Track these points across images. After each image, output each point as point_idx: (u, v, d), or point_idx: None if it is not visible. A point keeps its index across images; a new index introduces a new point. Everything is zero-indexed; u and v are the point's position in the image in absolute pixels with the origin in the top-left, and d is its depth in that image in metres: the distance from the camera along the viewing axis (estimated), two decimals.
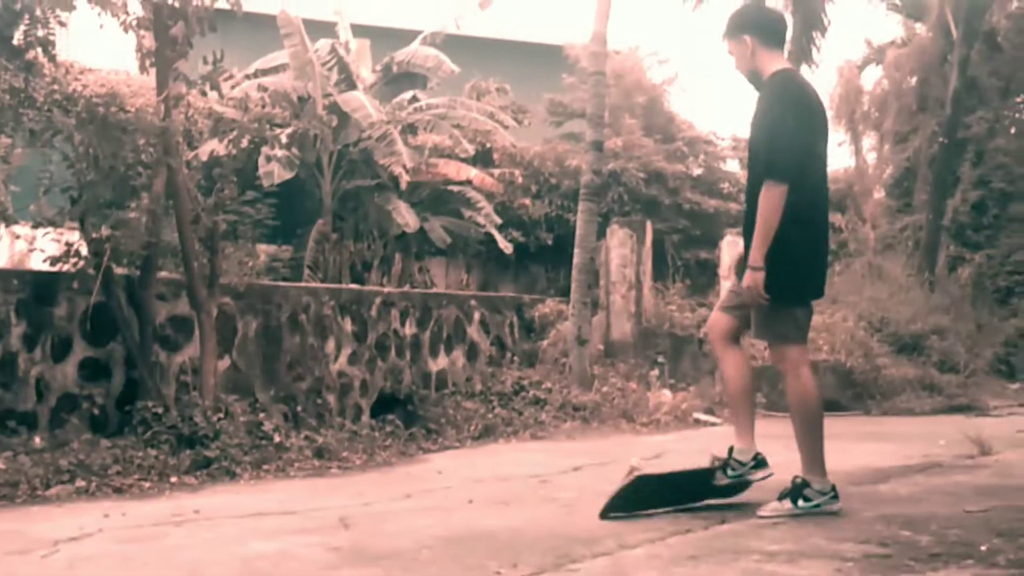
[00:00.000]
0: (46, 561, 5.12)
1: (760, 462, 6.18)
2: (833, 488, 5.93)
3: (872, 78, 25.20)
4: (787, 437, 6.06)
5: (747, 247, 6.02)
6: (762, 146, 5.97)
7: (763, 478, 6.14)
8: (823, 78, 39.36)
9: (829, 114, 20.75)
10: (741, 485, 6.24)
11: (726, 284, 15.67)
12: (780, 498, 5.95)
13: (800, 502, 5.89)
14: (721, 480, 6.21)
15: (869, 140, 25.25)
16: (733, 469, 6.18)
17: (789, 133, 5.86)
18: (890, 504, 5.94)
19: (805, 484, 5.93)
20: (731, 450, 6.21)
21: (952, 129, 20.31)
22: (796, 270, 5.95)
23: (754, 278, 5.82)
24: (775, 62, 6.13)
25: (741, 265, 6.15)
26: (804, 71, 18.31)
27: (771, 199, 5.79)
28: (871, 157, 25.19)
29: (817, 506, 5.87)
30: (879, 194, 23.88)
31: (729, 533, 5.46)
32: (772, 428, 7.09)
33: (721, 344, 6.29)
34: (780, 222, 5.78)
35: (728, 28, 6.28)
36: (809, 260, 6.06)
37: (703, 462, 6.36)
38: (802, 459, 6.00)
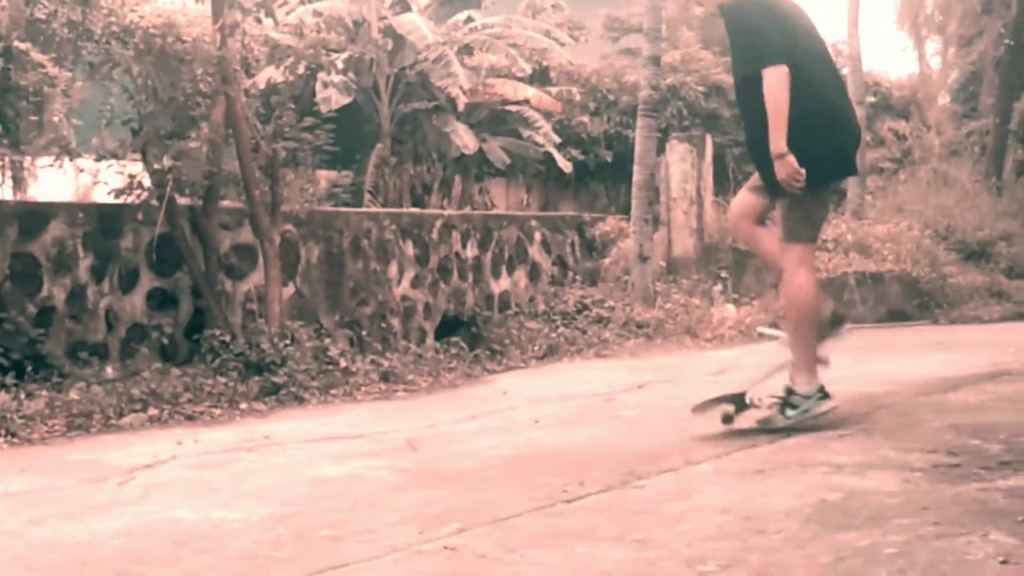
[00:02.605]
0: (122, 488, 5.22)
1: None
2: (821, 388, 5.82)
3: None
4: (858, 349, 5.99)
5: (755, 154, 5.99)
6: (745, 56, 5.92)
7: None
8: None
9: (891, 18, 20.15)
10: None
11: None
12: (768, 408, 5.90)
13: (788, 411, 5.81)
14: None
15: (933, 44, 24.77)
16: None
17: (765, 27, 5.81)
18: (959, 413, 5.89)
19: (790, 392, 5.86)
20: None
21: (1019, 30, 19.81)
22: (805, 150, 5.75)
23: (785, 163, 5.69)
24: None
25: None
26: None
27: (772, 82, 5.69)
28: (935, 62, 24.72)
29: (805, 411, 5.80)
30: (944, 99, 23.40)
31: (796, 446, 5.44)
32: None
33: (743, 224, 6.22)
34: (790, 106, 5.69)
35: None
36: (820, 139, 5.85)
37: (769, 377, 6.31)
38: (792, 358, 5.93)
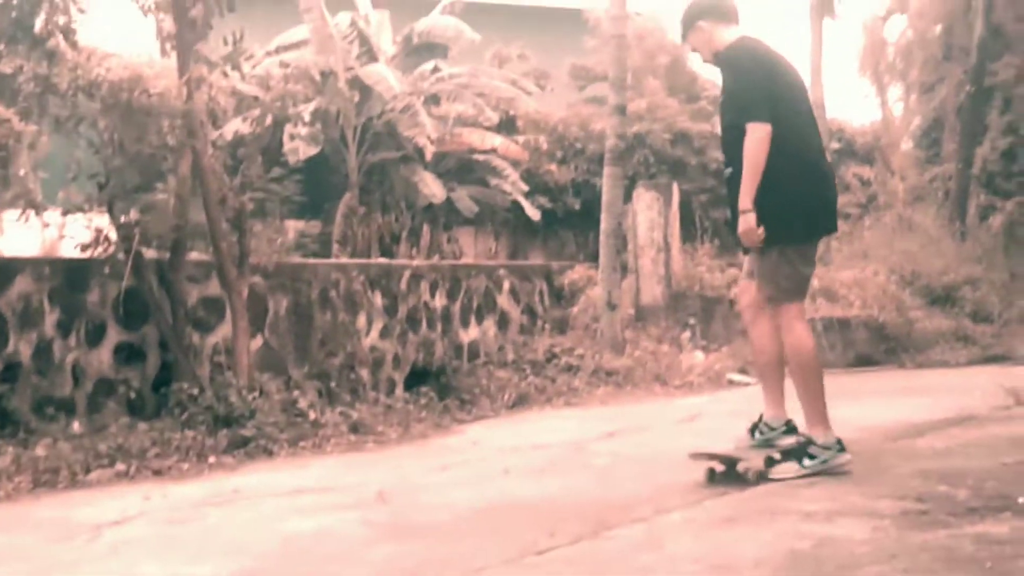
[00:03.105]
0: (90, 545, 5.19)
1: (791, 428, 6.17)
2: (838, 442, 5.92)
3: (897, 28, 24.94)
4: (827, 395, 6.05)
5: (733, 222, 6.04)
6: (733, 107, 6.03)
7: (790, 445, 6.09)
8: (846, 31, 39.01)
9: (854, 65, 20.48)
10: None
11: None
12: (786, 458, 5.95)
13: (806, 460, 5.89)
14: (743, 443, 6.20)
15: (895, 91, 24.98)
16: (762, 432, 6.17)
17: (756, 81, 5.95)
18: (927, 459, 5.94)
19: (809, 442, 5.94)
20: (761, 416, 6.22)
21: (979, 77, 20.08)
22: (790, 206, 5.92)
23: (745, 220, 5.85)
24: (729, 36, 6.24)
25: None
26: (827, 23, 18.08)
27: (753, 139, 5.82)
28: (898, 108, 24.95)
29: (824, 461, 5.87)
30: (907, 145, 23.60)
31: (765, 493, 5.48)
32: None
33: (750, 312, 6.29)
34: (767, 162, 5.79)
35: (683, 27, 6.50)
36: (804, 195, 5.99)
37: (739, 423, 6.37)
38: (804, 416, 6.01)
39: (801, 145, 6.00)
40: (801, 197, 5.97)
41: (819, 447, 5.90)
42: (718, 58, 6.26)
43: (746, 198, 5.84)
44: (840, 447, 5.92)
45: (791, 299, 6.03)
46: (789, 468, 5.89)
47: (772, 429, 6.15)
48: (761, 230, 5.83)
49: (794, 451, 5.94)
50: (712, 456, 5.98)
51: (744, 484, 5.69)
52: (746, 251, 6.19)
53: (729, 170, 6.10)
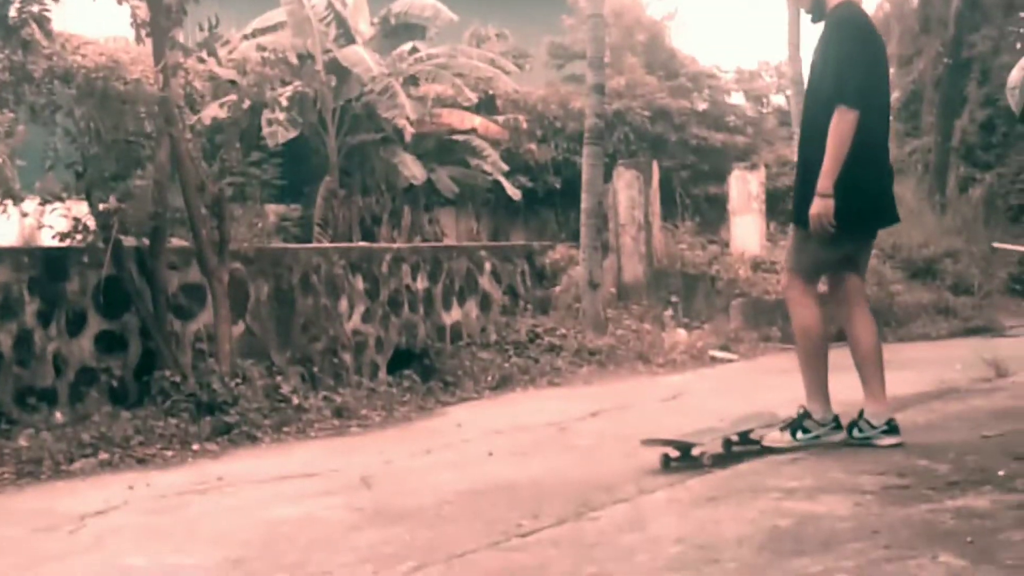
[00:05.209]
0: (74, 536, 5.18)
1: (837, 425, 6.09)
2: (835, 419, 5.96)
3: (874, 2, 24.98)
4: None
5: (805, 179, 5.97)
6: (829, 74, 5.89)
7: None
8: None
9: None
10: None
11: (736, 219, 15.68)
12: (781, 429, 6.01)
13: (799, 434, 5.93)
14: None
15: None
16: (806, 431, 6.06)
17: (857, 60, 5.84)
18: (908, 433, 5.96)
19: (805, 415, 5.98)
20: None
21: (956, 49, 20.18)
22: (867, 195, 5.91)
23: (824, 205, 5.75)
24: None
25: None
26: None
27: (843, 124, 5.73)
28: None
29: (816, 437, 5.90)
30: None
31: (748, 472, 5.50)
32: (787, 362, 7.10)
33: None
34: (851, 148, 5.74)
35: None
36: (865, 185, 5.93)
37: (722, 401, 6.40)
38: (804, 388, 6.06)
39: (872, 136, 5.89)
40: (862, 187, 5.87)
41: (814, 422, 5.94)
42: (825, 12, 6.02)
43: (827, 180, 5.72)
44: (836, 425, 5.95)
45: (803, 275, 6.07)
46: (782, 438, 5.94)
47: (822, 426, 6.06)
48: (831, 218, 5.73)
49: (791, 423, 5.97)
50: (666, 442, 5.96)
51: (728, 462, 5.73)
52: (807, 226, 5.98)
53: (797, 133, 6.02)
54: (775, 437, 6.04)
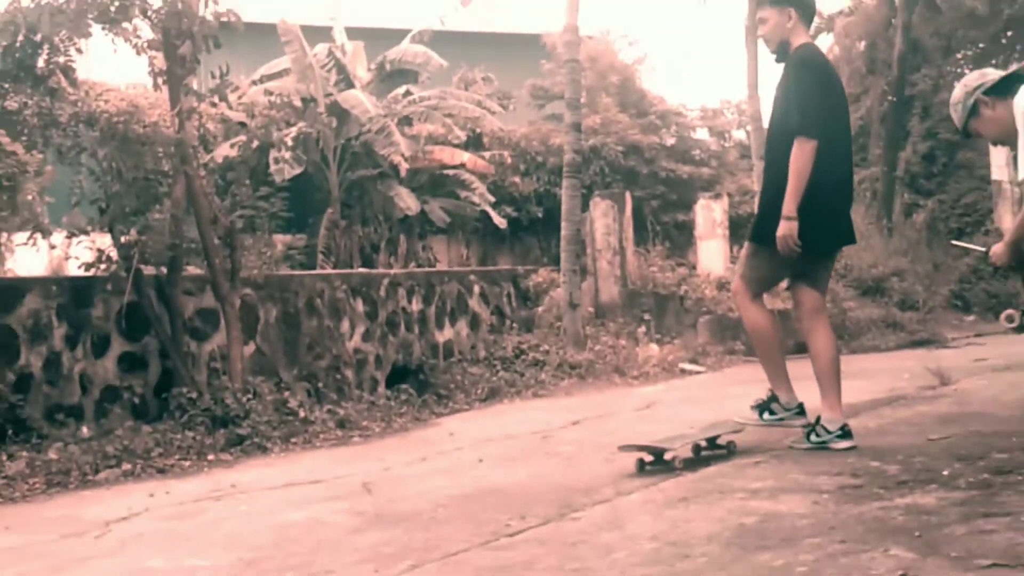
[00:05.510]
0: (99, 541, 5.16)
1: (801, 411, 6.16)
2: (843, 427, 5.89)
3: (824, 45, 25.08)
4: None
5: (766, 200, 6.05)
6: (791, 108, 5.91)
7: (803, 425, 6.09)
8: None
9: None
10: None
11: (702, 244, 15.72)
12: (752, 408, 6.16)
13: (812, 436, 5.92)
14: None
15: None
16: (772, 412, 6.15)
17: (816, 95, 5.87)
18: (860, 437, 5.96)
19: (773, 398, 6.04)
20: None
21: (900, 88, 20.29)
22: (825, 218, 5.92)
23: (789, 227, 5.77)
24: (804, 37, 6.12)
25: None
26: (761, 43, 18.17)
27: (803, 154, 5.75)
28: None
29: (823, 442, 5.86)
30: None
31: (716, 474, 5.49)
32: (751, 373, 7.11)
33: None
34: (811, 175, 5.76)
35: (772, 1, 6.17)
36: (836, 209, 6.01)
37: (692, 409, 6.40)
38: (768, 379, 6.10)
39: (835, 162, 5.92)
40: (826, 210, 5.91)
41: (823, 428, 5.89)
42: (787, 53, 6.06)
43: (791, 203, 5.75)
44: (842, 432, 5.87)
45: (749, 282, 6.15)
46: (751, 416, 6.15)
47: (787, 410, 6.15)
48: (796, 239, 5.77)
49: (811, 427, 5.96)
50: (641, 448, 5.94)
51: (698, 466, 5.72)
52: (760, 243, 6.06)
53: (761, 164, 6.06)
54: (745, 415, 6.08)
